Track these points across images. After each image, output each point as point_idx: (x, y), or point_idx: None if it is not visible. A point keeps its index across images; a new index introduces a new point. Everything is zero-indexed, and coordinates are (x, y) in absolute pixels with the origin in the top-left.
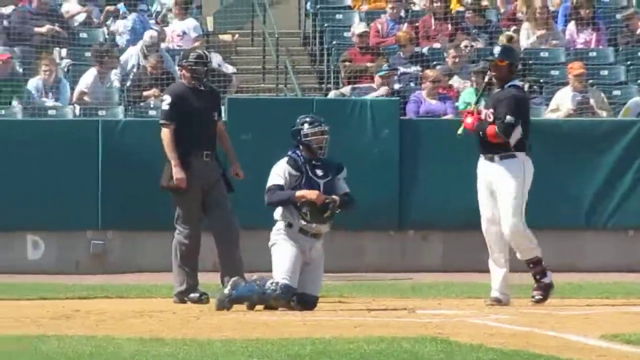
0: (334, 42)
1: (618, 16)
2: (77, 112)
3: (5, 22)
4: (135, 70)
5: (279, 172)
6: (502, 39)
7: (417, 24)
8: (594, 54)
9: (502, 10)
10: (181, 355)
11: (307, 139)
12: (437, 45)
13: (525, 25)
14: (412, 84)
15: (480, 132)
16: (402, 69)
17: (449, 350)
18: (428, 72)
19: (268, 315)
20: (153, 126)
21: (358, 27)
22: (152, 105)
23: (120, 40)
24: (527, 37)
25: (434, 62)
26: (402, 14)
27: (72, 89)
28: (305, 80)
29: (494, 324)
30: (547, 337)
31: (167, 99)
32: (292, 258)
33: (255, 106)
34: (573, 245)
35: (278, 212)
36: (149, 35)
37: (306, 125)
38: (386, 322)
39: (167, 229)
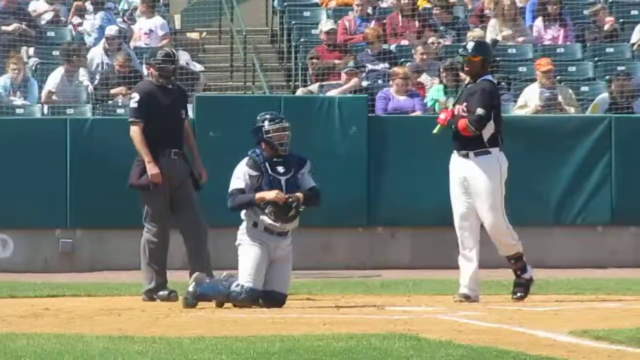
0: (302, 40)
1: (585, 12)
2: (45, 110)
3: None
4: (100, 68)
5: (239, 175)
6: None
7: (384, 21)
8: (562, 50)
9: (469, 7)
10: (150, 353)
11: (269, 135)
12: (404, 42)
13: (493, 22)
14: (380, 81)
15: (453, 127)
16: (370, 66)
17: (418, 347)
18: (397, 68)
19: (237, 313)
20: (121, 124)
21: (325, 24)
22: (120, 104)
23: (89, 39)
24: (494, 33)
25: (402, 59)
26: (370, 11)
27: (41, 88)
28: (273, 77)
29: (463, 320)
30: (516, 334)
31: (136, 96)
32: (257, 260)
33: (223, 104)
34: (541, 242)
35: (243, 212)
36: (109, 31)
37: (267, 122)
38: (355, 319)
39: (136, 227)
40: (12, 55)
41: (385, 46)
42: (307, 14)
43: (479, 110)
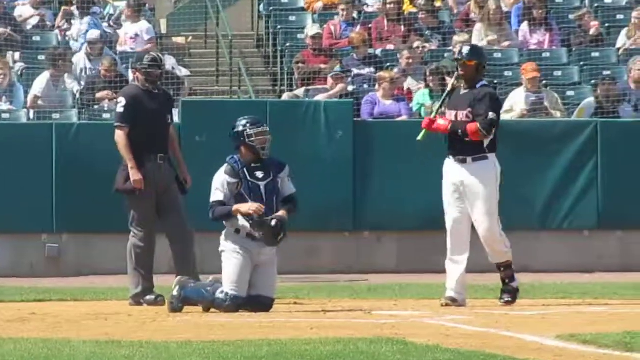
0: (288, 44)
1: (571, 16)
2: (31, 115)
3: None
4: (84, 73)
5: (218, 186)
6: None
7: (370, 26)
8: (548, 54)
9: (455, 11)
10: (137, 358)
11: (251, 139)
12: (390, 46)
13: (478, 27)
14: (365, 86)
15: (459, 132)
16: (355, 71)
17: (405, 351)
18: (383, 73)
19: (224, 317)
20: (107, 129)
21: (311, 29)
22: (106, 108)
23: (75, 44)
24: (480, 38)
25: (388, 64)
26: (355, 15)
27: (26, 93)
28: (259, 82)
29: (450, 324)
30: (503, 338)
31: (122, 101)
32: (240, 267)
33: (209, 108)
34: (528, 246)
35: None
36: (91, 36)
37: (249, 126)
38: (342, 323)
39: (122, 232)
40: None
41: (371, 51)
42: (292, 18)
43: (491, 115)
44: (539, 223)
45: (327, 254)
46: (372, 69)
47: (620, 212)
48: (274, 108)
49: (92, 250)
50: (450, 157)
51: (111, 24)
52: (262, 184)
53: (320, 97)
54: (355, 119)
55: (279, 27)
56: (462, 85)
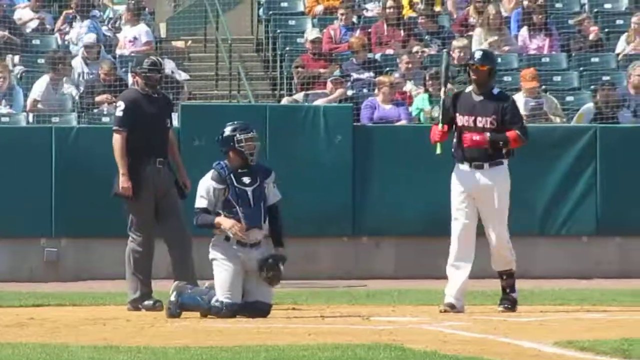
0: (287, 49)
1: (570, 22)
2: (31, 119)
3: None
4: (81, 78)
5: (202, 193)
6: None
7: (369, 30)
8: (547, 59)
9: (454, 16)
10: None
11: (241, 145)
12: (389, 51)
13: (478, 31)
14: (365, 90)
15: (501, 142)
16: (355, 75)
17: (403, 357)
18: (383, 77)
19: (222, 322)
20: (106, 133)
21: (311, 33)
22: (105, 112)
23: (75, 48)
24: (479, 43)
25: (387, 68)
26: (355, 20)
27: (26, 96)
28: (258, 86)
29: (448, 330)
30: (501, 344)
31: (121, 105)
32: (232, 275)
33: (208, 112)
34: (526, 252)
35: None
36: (87, 39)
37: (238, 131)
38: (340, 329)
39: (121, 237)
40: None
41: (370, 55)
42: (292, 22)
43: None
44: (537, 229)
45: (325, 259)
46: (372, 74)
47: (619, 218)
48: (273, 112)
49: (90, 254)
50: (465, 163)
51: (110, 27)
52: (249, 190)
53: (320, 102)
54: (354, 124)
55: (278, 31)
56: (453, 90)
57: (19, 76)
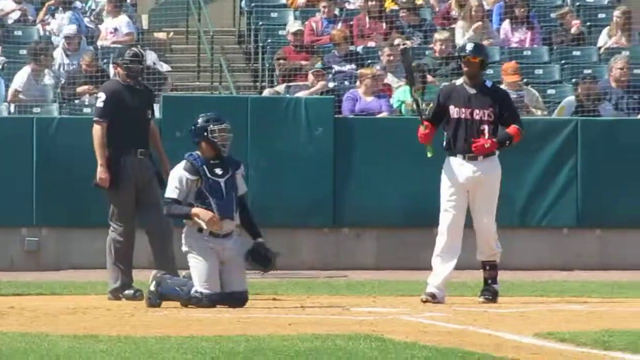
0: (269, 41)
1: (552, 15)
2: (12, 109)
3: None
4: (62, 69)
5: (175, 183)
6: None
7: (351, 23)
8: (529, 52)
9: (436, 9)
10: (115, 352)
11: (214, 135)
12: (371, 43)
13: (460, 24)
14: (346, 83)
15: (507, 142)
16: (336, 67)
17: (383, 348)
18: (365, 70)
19: (203, 312)
20: (88, 124)
21: (293, 25)
22: (86, 103)
23: (56, 39)
24: (462, 35)
25: (369, 61)
26: (337, 12)
27: (7, 87)
28: (240, 78)
29: (428, 321)
30: (481, 335)
31: (102, 96)
32: (208, 266)
33: (190, 104)
34: (507, 244)
35: None
36: (68, 31)
37: (212, 122)
38: (320, 319)
39: (102, 226)
40: None
41: (352, 48)
42: (274, 15)
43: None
44: (518, 220)
45: (306, 250)
46: (354, 66)
47: (599, 211)
48: (254, 104)
49: (71, 244)
50: (458, 155)
51: (92, 18)
52: (221, 181)
53: (302, 94)
54: (336, 116)
55: (260, 23)
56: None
57: (0, 67)
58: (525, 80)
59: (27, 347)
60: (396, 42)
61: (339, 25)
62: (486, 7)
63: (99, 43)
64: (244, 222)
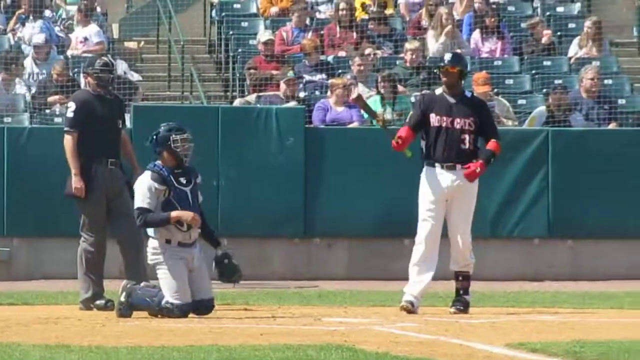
0: (240, 50)
1: (523, 25)
2: None
3: None
4: (32, 78)
5: (145, 193)
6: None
7: (322, 32)
8: (499, 62)
9: (407, 19)
10: None
11: (176, 145)
12: (342, 53)
13: (431, 33)
14: (317, 92)
15: (492, 160)
16: (307, 77)
17: (354, 358)
18: (336, 80)
19: (174, 322)
20: (58, 133)
21: (263, 35)
22: (57, 112)
23: (27, 49)
24: (434, 42)
25: (340, 71)
26: (307, 22)
27: None
28: (211, 87)
29: (399, 332)
30: (452, 346)
31: (72, 106)
32: (180, 276)
33: (161, 114)
34: (478, 254)
35: (151, 230)
36: (37, 40)
37: (174, 132)
38: (292, 329)
39: (73, 236)
40: None
41: (322, 57)
42: (245, 24)
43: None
44: (489, 231)
45: (277, 260)
46: (324, 76)
47: (571, 221)
48: (225, 114)
49: (42, 254)
50: (437, 165)
51: (63, 27)
52: (187, 189)
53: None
54: (306, 126)
55: (230, 32)
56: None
57: None
58: (495, 90)
59: None
60: (367, 51)
61: (310, 34)
62: (456, 17)
63: (70, 52)
64: (203, 231)
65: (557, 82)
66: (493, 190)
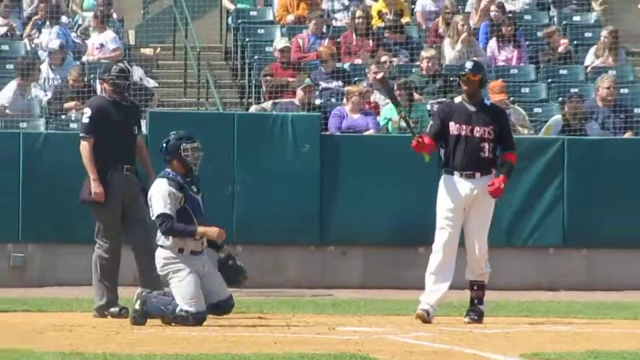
0: (256, 57)
1: (539, 34)
2: None
3: None
4: (47, 83)
5: (165, 199)
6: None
7: (338, 40)
8: (515, 71)
9: (423, 27)
10: None
11: (186, 154)
12: (358, 61)
13: (447, 42)
14: (333, 100)
15: (509, 172)
16: (323, 84)
17: None
18: (352, 87)
19: (188, 330)
20: (74, 139)
21: (279, 42)
22: (73, 118)
23: (44, 55)
24: (450, 50)
25: (356, 78)
26: (324, 29)
27: None
28: (227, 94)
29: (414, 341)
30: (466, 355)
31: (88, 112)
32: (193, 284)
33: (177, 120)
34: (492, 263)
35: (162, 239)
36: (52, 45)
37: (184, 141)
38: (306, 338)
39: (87, 243)
40: None
41: (338, 65)
42: (261, 31)
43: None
44: (504, 240)
45: (292, 268)
46: (340, 83)
47: (586, 230)
48: (241, 121)
49: (57, 261)
50: (455, 173)
51: (79, 33)
52: (199, 198)
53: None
54: (322, 133)
55: (247, 39)
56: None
57: None
58: (511, 98)
59: None
60: (383, 59)
61: (326, 42)
62: (473, 26)
63: (86, 58)
64: None
65: (573, 90)
66: (508, 199)
